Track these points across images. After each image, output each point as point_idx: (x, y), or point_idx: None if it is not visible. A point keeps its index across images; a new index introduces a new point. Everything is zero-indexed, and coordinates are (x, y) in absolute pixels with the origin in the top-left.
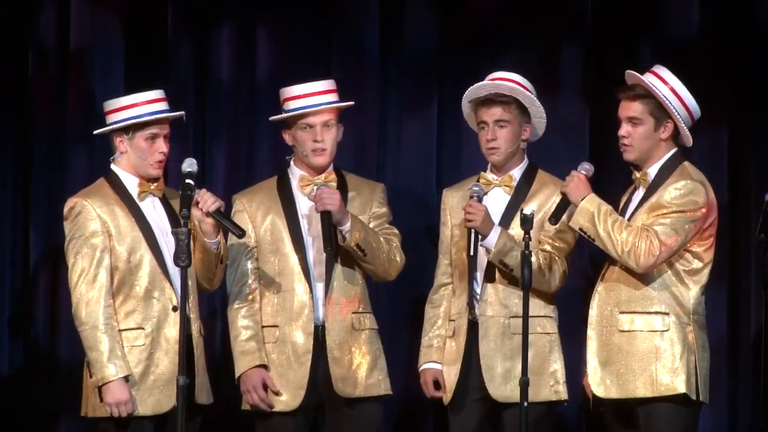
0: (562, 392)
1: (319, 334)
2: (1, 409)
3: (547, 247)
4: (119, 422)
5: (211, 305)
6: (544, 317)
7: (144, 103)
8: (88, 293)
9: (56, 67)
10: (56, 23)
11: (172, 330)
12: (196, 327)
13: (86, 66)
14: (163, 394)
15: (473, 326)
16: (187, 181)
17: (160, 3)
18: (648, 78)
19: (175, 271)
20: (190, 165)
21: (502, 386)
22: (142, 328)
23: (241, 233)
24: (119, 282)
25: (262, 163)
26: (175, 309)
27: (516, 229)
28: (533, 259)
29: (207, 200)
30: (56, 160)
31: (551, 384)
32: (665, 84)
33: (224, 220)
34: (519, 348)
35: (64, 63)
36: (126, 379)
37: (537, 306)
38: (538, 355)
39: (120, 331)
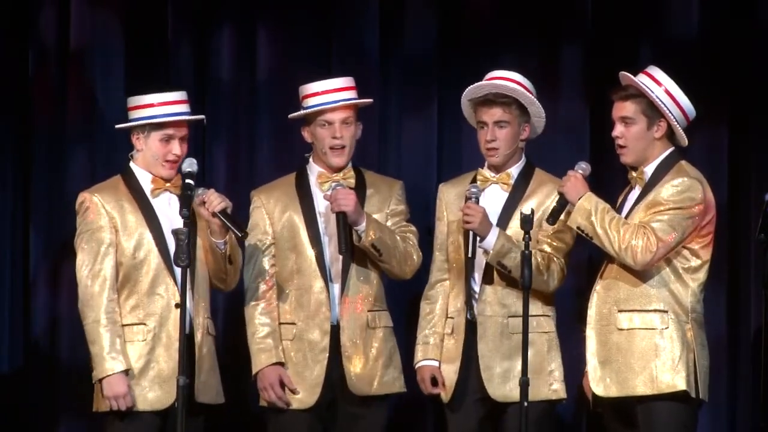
0: (560, 391)
1: (335, 332)
2: (1, 409)
3: (545, 247)
4: (123, 416)
5: (214, 304)
6: (542, 316)
7: (163, 104)
8: (92, 287)
9: (56, 67)
10: (56, 23)
11: (174, 326)
12: (202, 326)
13: (86, 66)
14: (162, 390)
15: (472, 326)
16: (187, 181)
17: (160, 3)
18: (641, 79)
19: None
20: (190, 165)
21: (501, 386)
22: (145, 324)
23: (243, 235)
24: (124, 277)
25: (262, 163)
26: (178, 306)
27: (514, 228)
28: (531, 259)
29: (213, 200)
30: (56, 160)
31: (550, 383)
32: (658, 84)
33: (228, 221)
34: (518, 347)
35: (64, 63)
36: (126, 373)
37: (535, 305)
38: (536, 355)
39: (123, 325)
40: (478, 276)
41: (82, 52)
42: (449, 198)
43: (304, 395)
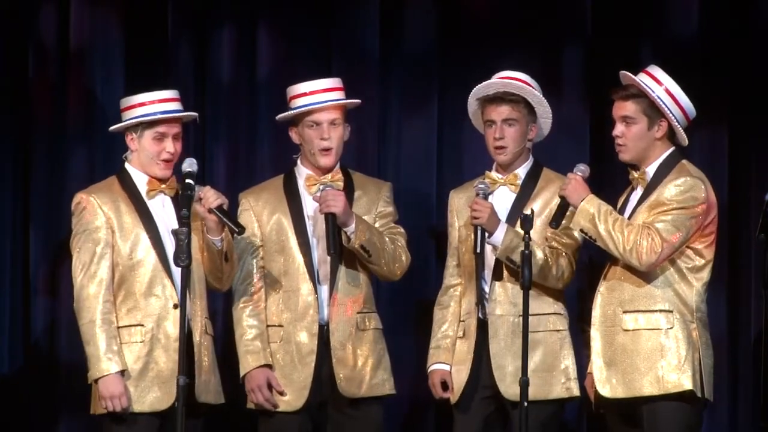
0: (573, 389)
1: (324, 335)
2: (1, 409)
3: (554, 244)
4: (121, 418)
5: (213, 305)
6: (554, 314)
7: (154, 102)
8: (88, 288)
9: (56, 67)
10: (56, 23)
11: (172, 327)
12: (200, 326)
13: (86, 66)
14: (162, 391)
15: (483, 325)
16: (187, 180)
17: (160, 3)
18: (641, 78)
19: (177, 269)
20: (190, 165)
21: (513, 385)
22: (143, 325)
23: (239, 231)
24: (120, 278)
25: (262, 163)
26: (175, 306)
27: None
28: (540, 255)
29: (209, 197)
30: (56, 160)
31: (563, 381)
32: (659, 84)
33: (224, 217)
34: (529, 346)
35: (64, 63)
36: (122, 373)
37: (546, 303)
38: (549, 353)
39: (121, 327)
40: (488, 276)
41: (82, 52)
42: (459, 204)
43: (292, 397)
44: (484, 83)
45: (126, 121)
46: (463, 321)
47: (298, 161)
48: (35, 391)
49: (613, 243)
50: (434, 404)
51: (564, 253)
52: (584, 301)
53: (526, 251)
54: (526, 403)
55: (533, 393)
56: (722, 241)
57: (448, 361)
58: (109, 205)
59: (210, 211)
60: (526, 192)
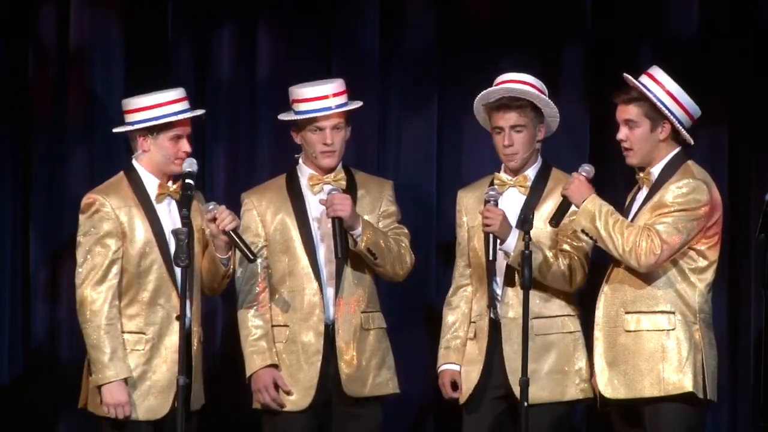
0: (587, 390)
1: (330, 334)
2: (1, 410)
3: (566, 247)
4: (117, 423)
5: (212, 303)
6: (567, 316)
7: (168, 104)
8: (95, 292)
9: (56, 67)
10: (56, 23)
11: (173, 338)
12: (196, 334)
13: (86, 66)
14: (158, 400)
15: (495, 326)
16: (187, 180)
17: (160, 3)
18: (643, 80)
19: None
20: (190, 165)
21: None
22: (144, 333)
23: (252, 259)
24: (126, 285)
25: (262, 163)
26: (178, 318)
27: (532, 230)
28: (550, 257)
29: (225, 218)
30: (56, 160)
31: (577, 382)
32: (660, 86)
33: (238, 242)
34: (542, 349)
35: (64, 63)
36: (126, 381)
37: (559, 305)
38: (562, 355)
39: (122, 332)
40: (500, 279)
41: (82, 52)
42: (468, 203)
43: (298, 397)
44: (487, 90)
45: (138, 122)
46: (474, 322)
47: (300, 161)
48: (35, 391)
49: (612, 244)
50: (434, 404)
51: (575, 257)
52: (586, 304)
53: (526, 251)
54: (526, 403)
55: (548, 394)
56: (723, 241)
57: (458, 362)
58: (122, 209)
59: (224, 232)
60: (536, 193)
